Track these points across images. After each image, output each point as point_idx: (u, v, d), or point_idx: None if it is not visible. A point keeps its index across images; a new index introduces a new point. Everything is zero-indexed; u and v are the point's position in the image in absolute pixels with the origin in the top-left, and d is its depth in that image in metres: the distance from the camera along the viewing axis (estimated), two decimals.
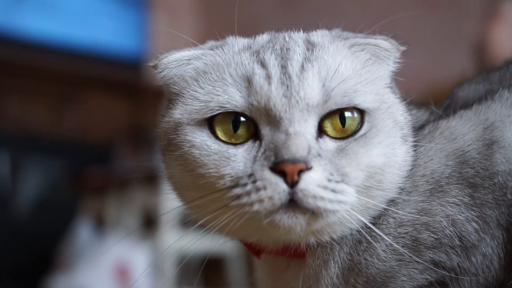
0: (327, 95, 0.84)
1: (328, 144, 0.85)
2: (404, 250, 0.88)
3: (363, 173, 0.85)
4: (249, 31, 0.97)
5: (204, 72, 0.91)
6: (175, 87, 0.93)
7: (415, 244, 0.88)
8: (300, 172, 0.80)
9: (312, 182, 0.81)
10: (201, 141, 0.87)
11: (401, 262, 0.88)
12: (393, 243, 0.87)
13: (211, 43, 0.97)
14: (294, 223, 0.82)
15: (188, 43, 0.98)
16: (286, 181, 0.80)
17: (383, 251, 0.89)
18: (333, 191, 0.82)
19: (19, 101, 4.25)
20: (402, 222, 0.89)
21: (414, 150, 0.92)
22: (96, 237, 3.63)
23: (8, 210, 3.98)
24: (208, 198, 0.86)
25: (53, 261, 3.59)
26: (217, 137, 0.86)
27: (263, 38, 0.93)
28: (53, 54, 4.34)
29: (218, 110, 0.86)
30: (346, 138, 0.86)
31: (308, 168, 0.81)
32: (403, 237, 0.89)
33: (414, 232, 0.88)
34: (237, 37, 0.95)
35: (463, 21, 3.54)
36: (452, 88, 1.05)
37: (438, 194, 0.88)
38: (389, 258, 0.89)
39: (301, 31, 0.97)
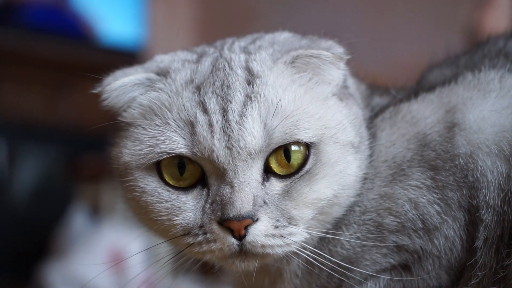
0: (270, 137, 0.83)
1: (275, 185, 0.85)
2: (368, 237, 0.89)
3: (311, 211, 0.86)
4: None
5: (149, 111, 0.89)
6: (123, 118, 0.92)
7: (379, 230, 0.89)
8: (248, 225, 0.82)
9: (259, 234, 0.83)
10: (152, 188, 0.87)
11: (365, 248, 0.89)
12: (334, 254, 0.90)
13: (158, 59, 0.94)
14: (247, 265, 0.86)
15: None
16: (234, 236, 0.83)
17: (347, 241, 0.90)
18: (281, 236, 0.84)
19: (15, 89, 4.25)
20: (366, 209, 0.90)
21: (373, 134, 0.93)
22: (91, 224, 3.64)
23: (4, 197, 4.00)
24: (163, 241, 0.93)
25: (49, 247, 3.61)
26: (166, 183, 0.87)
27: (205, 66, 0.89)
28: (49, 41, 4.32)
29: (164, 155, 0.85)
30: (293, 175, 0.85)
31: (255, 221, 0.83)
32: (367, 224, 0.90)
33: (377, 217, 0.89)
34: (181, 65, 0.91)
35: (458, 6, 3.51)
36: (422, 72, 1.04)
37: (400, 178, 0.89)
38: (353, 245, 0.90)
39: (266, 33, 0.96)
